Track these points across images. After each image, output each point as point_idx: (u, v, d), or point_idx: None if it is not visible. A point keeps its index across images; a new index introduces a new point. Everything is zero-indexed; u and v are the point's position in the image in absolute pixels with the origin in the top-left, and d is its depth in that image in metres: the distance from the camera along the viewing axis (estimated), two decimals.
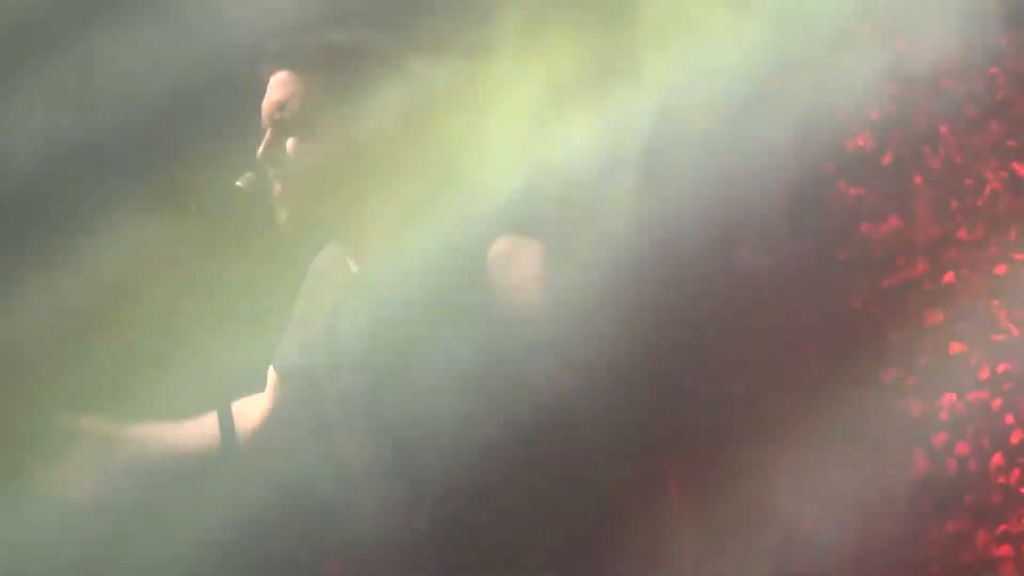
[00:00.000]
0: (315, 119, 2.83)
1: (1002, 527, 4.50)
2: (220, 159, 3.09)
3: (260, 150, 2.84)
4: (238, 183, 2.85)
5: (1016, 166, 4.56)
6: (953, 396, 4.58)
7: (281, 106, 2.83)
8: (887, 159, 4.68)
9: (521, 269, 2.71)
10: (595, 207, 4.19)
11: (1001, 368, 4.54)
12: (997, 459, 4.52)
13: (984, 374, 4.55)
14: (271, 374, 3.04)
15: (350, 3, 3.95)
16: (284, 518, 3.79)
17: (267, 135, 2.85)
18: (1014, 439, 4.50)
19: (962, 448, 4.56)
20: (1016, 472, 4.50)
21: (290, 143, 2.82)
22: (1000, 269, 4.57)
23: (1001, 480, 4.50)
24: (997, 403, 4.54)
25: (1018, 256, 4.54)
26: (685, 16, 4.46)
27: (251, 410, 3.03)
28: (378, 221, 2.84)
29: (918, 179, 4.65)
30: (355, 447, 2.85)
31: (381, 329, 2.78)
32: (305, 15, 3.74)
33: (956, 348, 4.59)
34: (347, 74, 2.84)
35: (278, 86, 2.85)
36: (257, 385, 3.06)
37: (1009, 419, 4.53)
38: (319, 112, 2.83)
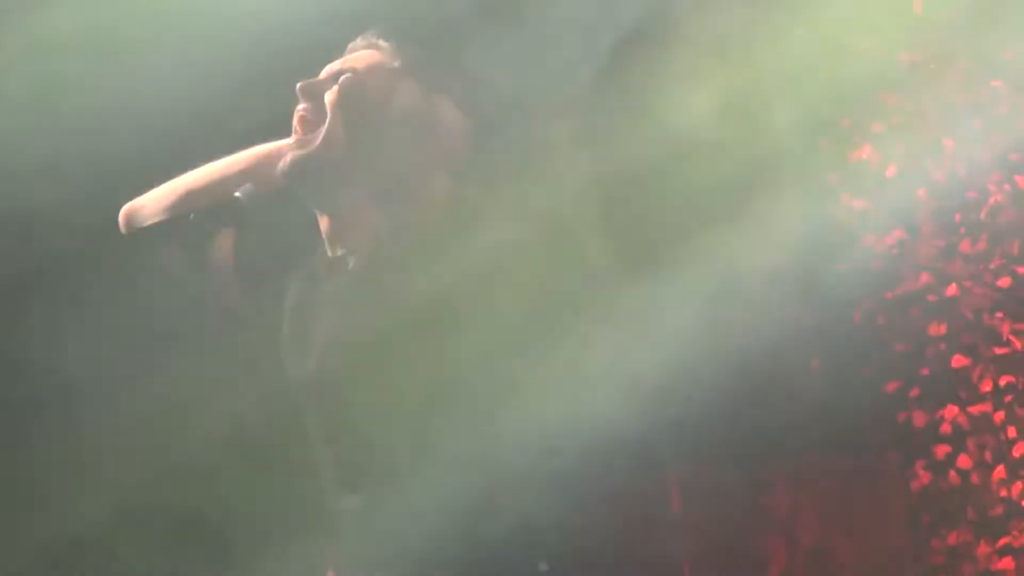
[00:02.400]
0: (371, 91, 2.84)
1: (1004, 540, 4.51)
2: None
3: (305, 82, 2.84)
4: (237, 194, 2.87)
5: (1019, 179, 4.52)
6: (956, 408, 4.58)
7: (348, 64, 2.85)
8: (890, 171, 4.66)
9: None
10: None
11: (1004, 381, 4.53)
12: (999, 472, 4.52)
13: (987, 387, 4.55)
14: None
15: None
16: None
17: (321, 76, 2.86)
18: (1016, 452, 4.51)
19: (964, 461, 4.57)
20: (1018, 485, 4.50)
21: (332, 95, 2.84)
22: (1003, 282, 4.55)
23: (1003, 493, 4.51)
24: (1000, 416, 4.54)
25: (1021, 269, 4.52)
26: None
27: None
28: (363, 220, 2.86)
29: (921, 192, 4.63)
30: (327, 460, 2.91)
31: (352, 320, 2.81)
32: None
33: (959, 360, 4.58)
34: (419, 82, 2.86)
35: (355, 53, 2.88)
36: None
37: (1012, 432, 4.52)
38: (379, 88, 2.85)
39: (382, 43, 2.90)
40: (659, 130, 4.46)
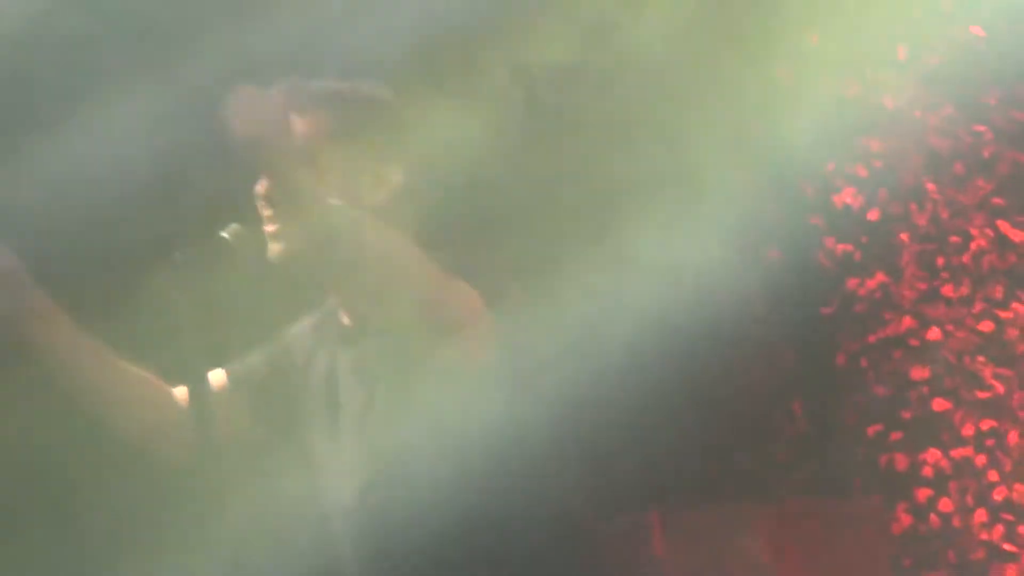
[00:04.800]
0: (315, 157, 2.85)
1: None
2: (205, 210, 3.13)
3: (257, 187, 2.85)
4: (223, 234, 2.86)
5: (1001, 223, 4.55)
6: (937, 452, 4.60)
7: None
8: (874, 215, 4.68)
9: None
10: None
11: (985, 425, 4.55)
12: (980, 515, 4.54)
13: (968, 431, 4.56)
14: (220, 375, 3.03)
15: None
16: None
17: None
18: (997, 496, 4.52)
19: (945, 504, 4.58)
20: (999, 528, 4.51)
21: (287, 180, 2.84)
22: (985, 326, 4.57)
23: (984, 536, 4.52)
24: (981, 460, 4.55)
25: (1003, 313, 4.54)
26: None
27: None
28: (370, 273, 2.86)
29: (904, 235, 4.65)
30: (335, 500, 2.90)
31: (375, 389, 2.81)
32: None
33: (941, 404, 4.60)
34: (347, 120, 2.87)
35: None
36: None
37: (993, 476, 4.54)
38: (319, 151, 2.86)
39: None
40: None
